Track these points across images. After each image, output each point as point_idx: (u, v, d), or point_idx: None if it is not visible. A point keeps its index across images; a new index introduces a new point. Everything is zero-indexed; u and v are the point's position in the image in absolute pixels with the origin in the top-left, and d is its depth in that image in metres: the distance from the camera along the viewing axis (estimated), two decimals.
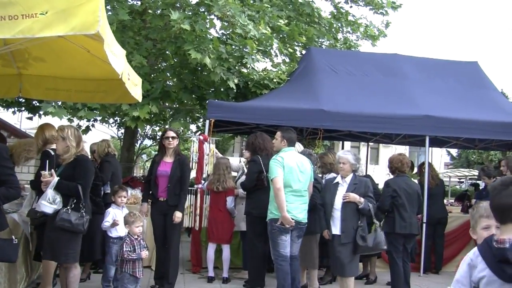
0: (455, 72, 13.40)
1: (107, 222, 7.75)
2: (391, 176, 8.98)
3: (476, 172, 34.81)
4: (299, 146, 9.15)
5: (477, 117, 11.22)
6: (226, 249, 9.25)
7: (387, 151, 44.51)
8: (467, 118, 11.12)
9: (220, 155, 10.56)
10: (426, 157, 10.85)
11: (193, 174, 9.94)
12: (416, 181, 10.58)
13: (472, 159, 43.05)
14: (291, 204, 7.62)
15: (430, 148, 12.16)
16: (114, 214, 7.81)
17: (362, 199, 7.44)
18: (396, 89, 11.99)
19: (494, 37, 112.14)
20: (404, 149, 39.29)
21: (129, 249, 6.75)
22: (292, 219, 7.54)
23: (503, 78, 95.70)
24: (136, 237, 6.89)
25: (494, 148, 16.15)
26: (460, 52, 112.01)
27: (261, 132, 9.75)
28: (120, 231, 7.71)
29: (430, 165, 11.09)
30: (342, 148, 16.30)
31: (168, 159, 8.25)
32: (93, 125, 15.44)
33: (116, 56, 5.16)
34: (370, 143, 16.51)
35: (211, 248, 9.19)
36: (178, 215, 7.93)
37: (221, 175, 9.19)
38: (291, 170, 7.70)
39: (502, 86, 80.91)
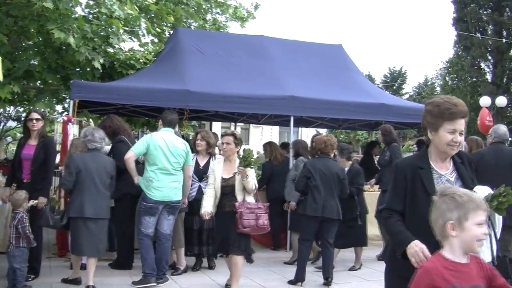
0: (320, 54, 13.84)
1: None
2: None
3: None
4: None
5: (340, 98, 11.69)
6: None
7: (257, 132, 45.46)
8: (331, 99, 11.54)
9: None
10: (290, 137, 11.20)
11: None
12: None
13: (340, 138, 44.44)
14: (159, 182, 7.83)
15: (300, 128, 12.46)
16: None
17: None
18: (262, 70, 12.23)
19: (361, 21, 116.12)
20: (270, 129, 40.36)
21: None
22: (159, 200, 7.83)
23: (369, 62, 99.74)
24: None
25: (358, 128, 16.89)
26: (327, 35, 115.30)
27: (113, 114, 9.75)
28: None
29: (272, 143, 11.36)
30: (210, 128, 16.44)
31: (33, 142, 8.01)
32: None
33: None
34: (241, 124, 16.73)
35: None
36: (42, 200, 7.76)
37: None
38: (157, 148, 7.84)
39: (369, 69, 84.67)
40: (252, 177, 7.38)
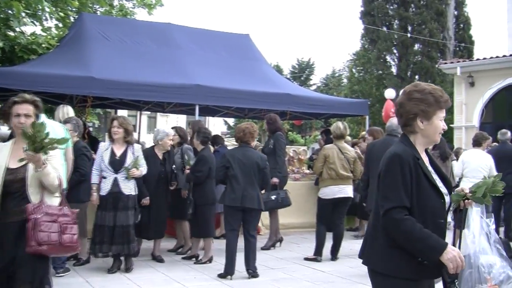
0: (227, 43, 13.92)
1: None
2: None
3: None
4: (66, 113, 8.86)
5: (246, 88, 11.80)
6: None
7: (164, 120, 45.24)
8: (237, 88, 11.63)
9: None
10: None
11: None
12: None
13: None
14: None
15: (207, 117, 12.39)
16: None
17: None
18: (168, 58, 12.18)
19: (270, 12, 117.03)
20: (176, 118, 40.16)
21: None
22: None
23: (278, 52, 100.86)
24: None
25: (263, 117, 16.94)
26: (236, 24, 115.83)
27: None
28: None
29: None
30: None
31: None
32: None
33: None
34: (147, 112, 16.55)
35: None
36: None
37: None
38: None
39: (277, 59, 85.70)
40: (54, 167, 4.68)
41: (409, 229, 3.14)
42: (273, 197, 9.91)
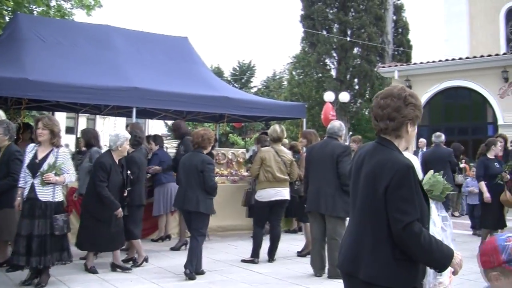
0: (165, 46, 13.93)
1: None
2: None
3: None
4: None
5: (184, 90, 11.78)
6: None
7: (104, 122, 44.79)
8: (174, 91, 11.61)
9: None
10: None
11: None
12: None
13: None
14: None
15: (146, 120, 12.27)
16: None
17: None
18: (105, 60, 12.08)
19: (212, 14, 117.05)
20: (114, 120, 39.83)
21: None
22: None
23: (219, 54, 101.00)
24: None
25: (203, 120, 17.03)
26: (177, 27, 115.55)
27: None
28: None
29: None
30: None
31: None
32: None
33: None
34: (86, 114, 16.37)
35: None
36: None
37: None
38: None
39: (218, 62, 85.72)
40: None
41: (428, 241, 3.11)
42: None
